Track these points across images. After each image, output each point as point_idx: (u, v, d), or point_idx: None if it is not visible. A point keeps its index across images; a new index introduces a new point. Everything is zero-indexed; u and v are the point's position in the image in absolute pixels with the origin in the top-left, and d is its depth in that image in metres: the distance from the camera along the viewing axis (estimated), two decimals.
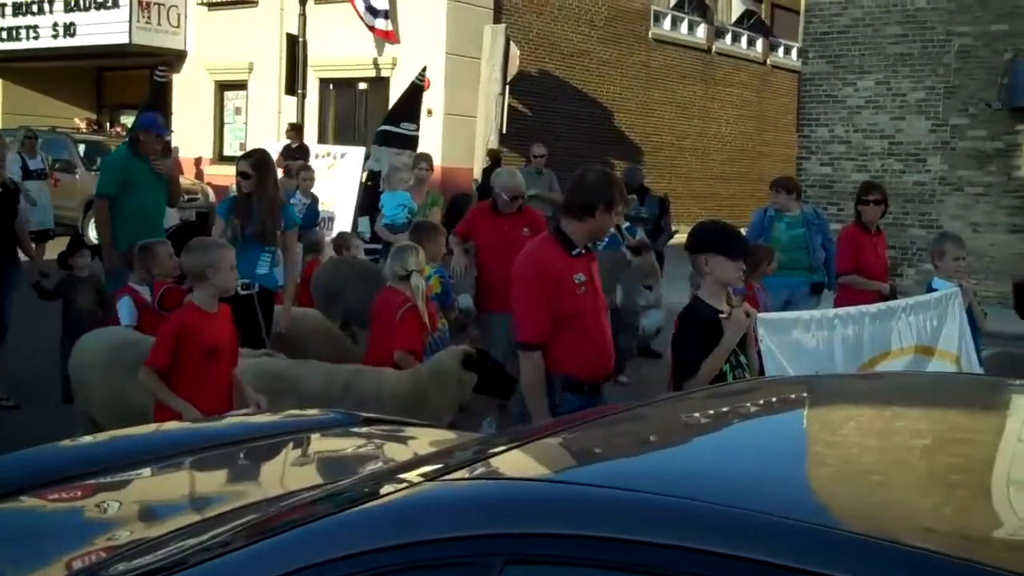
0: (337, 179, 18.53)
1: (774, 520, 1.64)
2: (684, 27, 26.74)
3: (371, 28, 20.06)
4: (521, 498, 1.91)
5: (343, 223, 16.73)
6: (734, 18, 28.60)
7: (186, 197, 17.61)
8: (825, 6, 17.06)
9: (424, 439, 3.48)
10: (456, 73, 19.86)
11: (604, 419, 2.77)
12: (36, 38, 23.95)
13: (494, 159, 17.24)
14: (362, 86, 21.51)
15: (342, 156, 19.38)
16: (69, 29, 23.37)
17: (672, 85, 26.06)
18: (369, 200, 12.64)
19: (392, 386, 5.55)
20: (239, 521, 2.39)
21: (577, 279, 4.64)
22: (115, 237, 7.65)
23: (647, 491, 1.80)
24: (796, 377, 4.34)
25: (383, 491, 2.15)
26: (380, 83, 20.65)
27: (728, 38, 28.39)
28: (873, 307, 6.20)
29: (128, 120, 22.60)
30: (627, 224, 8.79)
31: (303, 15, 19.29)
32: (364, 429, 3.57)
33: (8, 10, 24.34)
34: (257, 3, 22.26)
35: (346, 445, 3.52)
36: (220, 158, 22.92)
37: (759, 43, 29.39)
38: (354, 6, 19.94)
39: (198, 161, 22.93)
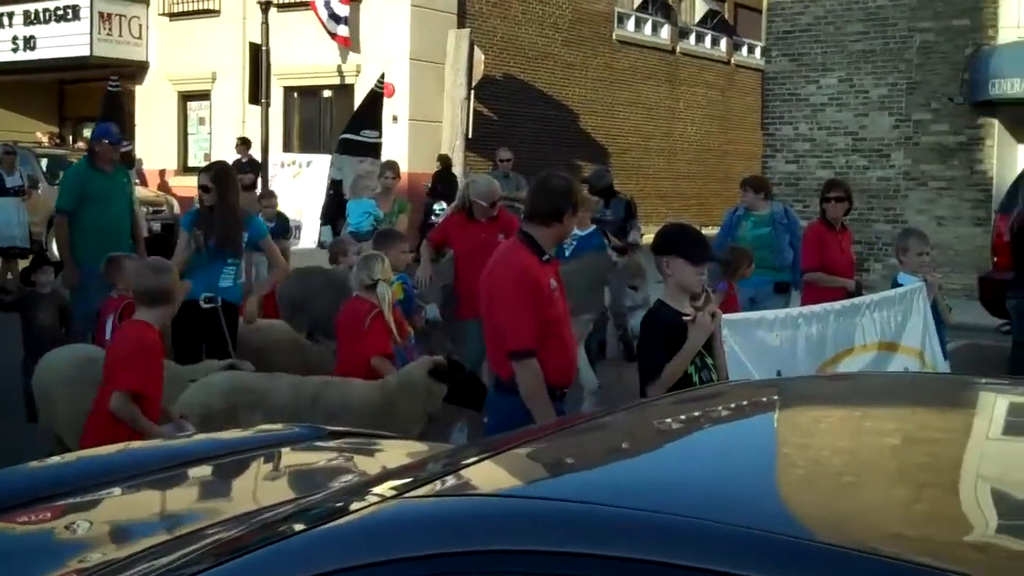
0: (304, 188, 18.47)
1: (752, 533, 1.64)
2: (648, 28, 26.84)
3: (332, 35, 20.00)
4: (492, 514, 1.91)
5: (310, 231, 16.68)
6: (697, 18, 28.74)
7: (151, 209, 17.53)
8: (787, 5, 17.19)
9: (392, 452, 3.46)
10: (421, 79, 19.83)
11: (573, 428, 2.77)
12: None
13: (445, 165, 17.31)
14: (327, 94, 21.43)
15: (308, 164, 19.33)
16: (29, 42, 23.14)
17: (637, 86, 26.15)
18: (332, 209, 12.61)
19: (361, 397, 5.51)
20: (208, 540, 2.38)
21: (552, 285, 4.64)
22: (75, 252, 7.56)
23: (621, 505, 1.80)
24: (763, 381, 4.35)
25: (353, 507, 2.14)
26: (344, 90, 20.57)
27: (692, 38, 28.53)
28: (838, 304, 6.24)
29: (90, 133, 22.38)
30: (592, 227, 8.75)
31: (265, 23, 19.19)
32: (331, 443, 3.55)
33: None
34: (219, 12, 22.11)
35: (314, 460, 3.50)
36: (185, 169, 22.74)
37: (723, 43, 29.56)
38: (317, 14, 19.88)
39: (162, 173, 22.77)
